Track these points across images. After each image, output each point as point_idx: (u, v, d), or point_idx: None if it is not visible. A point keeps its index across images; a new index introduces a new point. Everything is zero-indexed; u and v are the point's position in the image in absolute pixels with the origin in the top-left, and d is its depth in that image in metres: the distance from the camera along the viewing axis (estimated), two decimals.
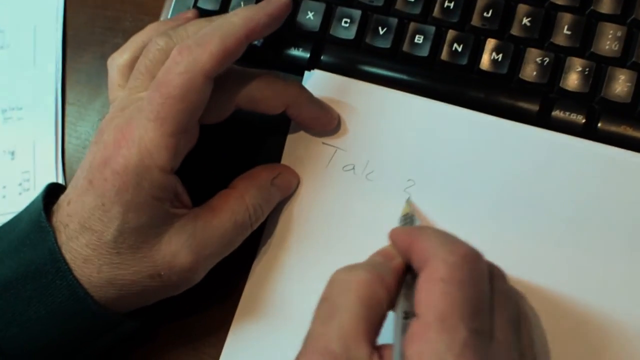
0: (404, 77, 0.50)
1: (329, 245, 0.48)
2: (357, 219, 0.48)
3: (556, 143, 0.45)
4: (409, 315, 0.36)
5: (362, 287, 0.36)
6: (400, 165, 0.47)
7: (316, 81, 0.50)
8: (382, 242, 0.45)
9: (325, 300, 0.37)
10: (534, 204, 0.45)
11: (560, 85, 0.47)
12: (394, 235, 0.40)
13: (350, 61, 0.51)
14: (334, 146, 0.49)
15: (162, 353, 0.50)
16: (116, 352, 0.48)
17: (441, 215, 0.46)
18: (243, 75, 0.45)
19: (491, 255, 0.38)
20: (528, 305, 0.40)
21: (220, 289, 0.49)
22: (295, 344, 0.46)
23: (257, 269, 0.49)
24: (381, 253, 0.40)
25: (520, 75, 0.48)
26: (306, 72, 0.51)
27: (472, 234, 0.38)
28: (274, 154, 0.50)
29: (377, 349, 0.35)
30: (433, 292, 0.34)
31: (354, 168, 0.48)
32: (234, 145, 0.52)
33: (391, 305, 0.37)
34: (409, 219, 0.45)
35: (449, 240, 0.37)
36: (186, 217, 0.43)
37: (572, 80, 0.47)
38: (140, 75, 0.44)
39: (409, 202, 0.46)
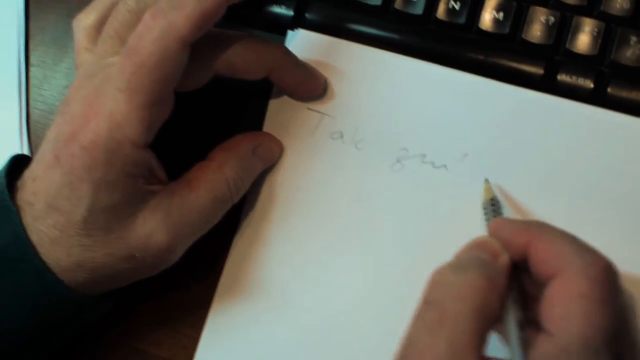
0: (396, 37, 0.48)
1: (315, 219, 0.46)
2: (345, 191, 0.46)
3: (562, 109, 0.44)
4: (523, 325, 0.34)
5: (476, 295, 0.33)
6: (393, 132, 0.46)
7: (300, 42, 0.48)
8: (372, 215, 0.45)
9: (433, 304, 0.34)
10: (536, 174, 0.43)
11: (567, 47, 0.46)
12: (501, 229, 0.37)
13: (338, 19, 0.49)
14: (320, 112, 0.47)
15: (140, 334, 0.49)
16: (91, 333, 0.47)
17: (437, 186, 0.44)
18: (221, 39, 0.43)
19: None
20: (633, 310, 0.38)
21: (200, 266, 0.48)
22: (278, 323, 0.45)
23: (239, 244, 0.47)
24: (483, 247, 0.37)
25: (523, 36, 0.46)
26: (289, 32, 0.49)
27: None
28: (255, 122, 0.48)
29: None
30: (572, 311, 0.32)
31: (342, 136, 0.47)
32: (212, 113, 0.50)
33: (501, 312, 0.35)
34: (495, 204, 0.42)
35: (585, 247, 0.34)
36: (161, 193, 0.42)
37: (580, 42, 0.45)
38: (108, 39, 0.42)
39: (488, 184, 0.44)
